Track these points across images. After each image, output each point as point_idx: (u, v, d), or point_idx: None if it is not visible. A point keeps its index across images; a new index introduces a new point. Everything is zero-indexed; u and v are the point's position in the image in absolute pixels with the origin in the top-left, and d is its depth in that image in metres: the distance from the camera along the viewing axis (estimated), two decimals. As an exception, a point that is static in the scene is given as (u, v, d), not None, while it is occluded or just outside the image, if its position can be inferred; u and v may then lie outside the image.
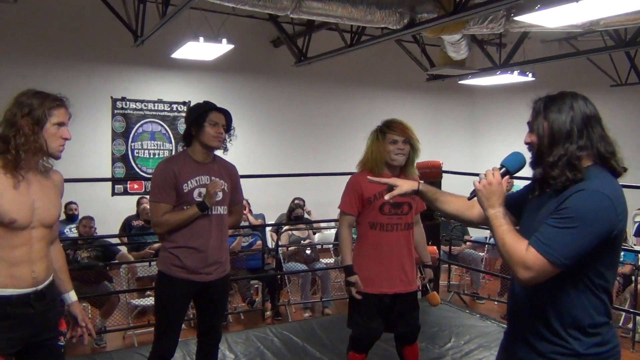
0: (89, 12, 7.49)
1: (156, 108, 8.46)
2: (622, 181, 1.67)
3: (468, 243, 7.00)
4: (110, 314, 5.07)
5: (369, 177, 2.17)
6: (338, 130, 9.79)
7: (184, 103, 8.55)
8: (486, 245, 6.90)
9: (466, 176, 4.88)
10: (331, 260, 6.75)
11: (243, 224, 6.30)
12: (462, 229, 7.04)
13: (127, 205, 7.49)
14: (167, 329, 2.94)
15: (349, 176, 3.20)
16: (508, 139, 8.10)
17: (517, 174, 1.82)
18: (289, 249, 6.23)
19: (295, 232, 6.48)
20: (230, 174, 3.06)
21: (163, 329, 2.95)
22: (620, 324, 5.33)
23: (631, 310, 5.09)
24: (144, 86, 8.35)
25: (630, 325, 5.14)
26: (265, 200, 8.02)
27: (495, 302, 6.29)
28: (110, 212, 7.09)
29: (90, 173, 7.16)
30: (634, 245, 6.42)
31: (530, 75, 7.57)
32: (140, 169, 8.34)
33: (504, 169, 1.74)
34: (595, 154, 1.62)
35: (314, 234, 7.01)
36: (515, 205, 1.79)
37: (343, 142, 9.56)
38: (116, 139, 8.22)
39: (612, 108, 9.08)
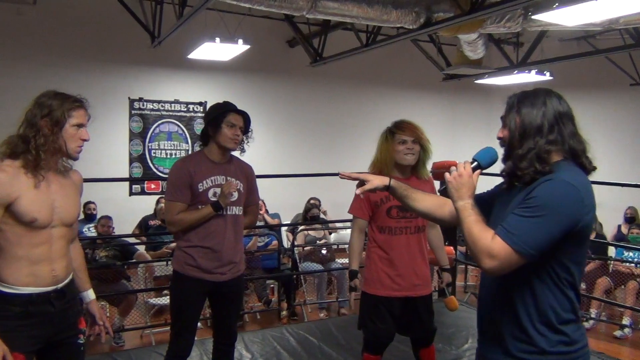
0: (107, 14, 7.57)
1: (173, 108, 8.52)
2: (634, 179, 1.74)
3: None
4: (128, 313, 5.11)
5: (340, 172, 2.11)
6: (353, 130, 9.77)
7: (200, 103, 8.60)
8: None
9: (483, 176, 4.85)
10: (347, 261, 6.71)
11: (259, 223, 6.32)
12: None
13: (144, 205, 7.55)
14: (182, 328, 2.95)
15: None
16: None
17: (493, 171, 1.84)
18: (305, 248, 6.24)
19: (311, 232, 6.49)
20: (246, 174, 3.06)
21: (178, 328, 2.96)
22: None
23: None
24: (160, 87, 8.41)
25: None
26: (281, 200, 8.03)
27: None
28: (128, 211, 7.15)
29: (108, 173, 7.23)
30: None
31: (547, 74, 7.49)
32: (157, 169, 8.41)
33: (475, 163, 1.74)
34: (567, 150, 1.63)
35: (330, 234, 7.00)
36: (485, 205, 1.77)
37: (358, 142, 9.54)
38: (133, 139, 8.29)
39: (631, 107, 8.99)
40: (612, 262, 5.91)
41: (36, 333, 2.05)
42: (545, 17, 4.88)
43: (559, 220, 1.51)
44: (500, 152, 1.75)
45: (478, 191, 1.86)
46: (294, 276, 5.96)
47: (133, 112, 8.26)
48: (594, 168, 1.67)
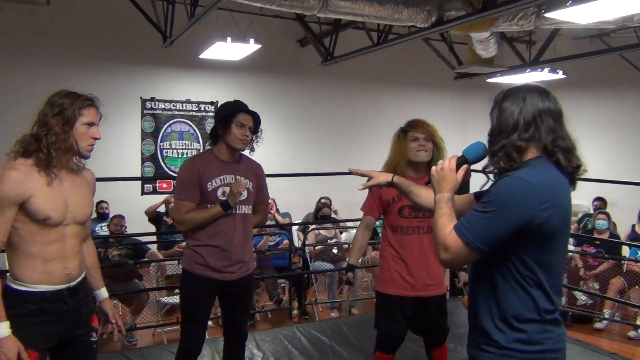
0: (119, 14, 7.61)
1: (184, 108, 8.56)
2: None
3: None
4: (140, 312, 5.14)
5: (349, 168, 2.18)
6: (365, 129, 9.76)
7: (211, 103, 8.62)
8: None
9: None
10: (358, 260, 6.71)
11: (270, 223, 6.34)
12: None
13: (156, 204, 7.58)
14: (192, 326, 2.96)
15: (375, 175, 3.18)
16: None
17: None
18: (316, 248, 6.24)
19: (322, 231, 6.49)
20: (255, 173, 3.05)
21: (188, 326, 2.97)
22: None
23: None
24: (172, 86, 8.45)
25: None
26: (292, 200, 8.04)
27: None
28: (140, 211, 7.18)
29: (120, 172, 7.27)
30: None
31: (560, 72, 7.43)
32: (169, 168, 8.45)
33: (462, 158, 1.74)
34: (542, 147, 1.61)
35: (341, 233, 7.00)
36: (468, 204, 1.80)
37: (370, 141, 9.53)
38: (145, 139, 8.34)
39: (646, 105, 8.89)
40: (626, 262, 5.85)
41: (49, 331, 2.07)
42: (558, 15, 4.83)
43: (509, 216, 1.51)
44: None
45: (474, 187, 1.91)
46: (305, 275, 5.96)
47: (145, 111, 8.30)
48: (575, 167, 1.63)
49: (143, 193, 8.27)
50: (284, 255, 6.01)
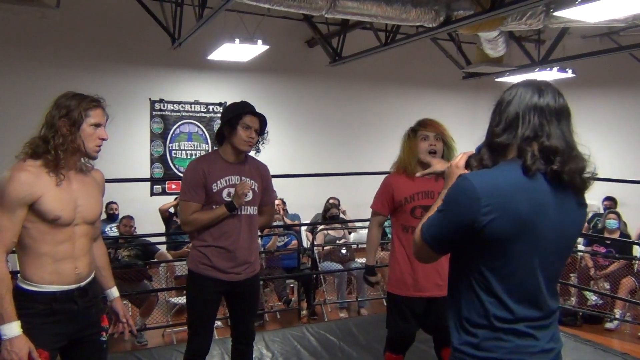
0: (128, 17, 7.65)
1: (193, 109, 8.59)
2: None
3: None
4: (150, 312, 5.17)
5: (417, 174, 2.12)
6: (373, 129, 9.75)
7: (219, 104, 8.65)
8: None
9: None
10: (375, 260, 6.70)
11: (278, 223, 6.35)
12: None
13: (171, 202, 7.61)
14: (199, 327, 2.96)
15: (384, 176, 3.18)
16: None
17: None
18: (325, 248, 6.24)
19: (330, 232, 6.49)
20: (261, 174, 3.05)
21: (195, 327, 2.97)
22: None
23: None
24: (181, 88, 8.48)
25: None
26: (300, 200, 8.05)
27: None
28: (149, 212, 7.22)
29: (129, 174, 7.31)
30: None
31: (570, 71, 7.39)
32: (177, 169, 8.48)
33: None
34: (516, 146, 1.50)
35: (349, 233, 7.00)
36: None
37: (378, 142, 9.52)
38: (154, 140, 8.38)
39: (657, 104, 8.82)
40: (637, 261, 5.81)
41: (60, 330, 2.09)
42: (567, 14, 4.82)
43: (450, 216, 1.51)
44: None
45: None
46: (314, 276, 5.96)
47: (154, 113, 8.34)
48: (530, 169, 1.45)
49: (152, 194, 8.31)
50: (293, 256, 6.01)
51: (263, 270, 5.76)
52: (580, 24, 5.64)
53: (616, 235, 5.96)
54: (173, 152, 8.49)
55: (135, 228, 6.03)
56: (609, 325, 5.49)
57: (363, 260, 6.61)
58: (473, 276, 1.53)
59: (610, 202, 7.68)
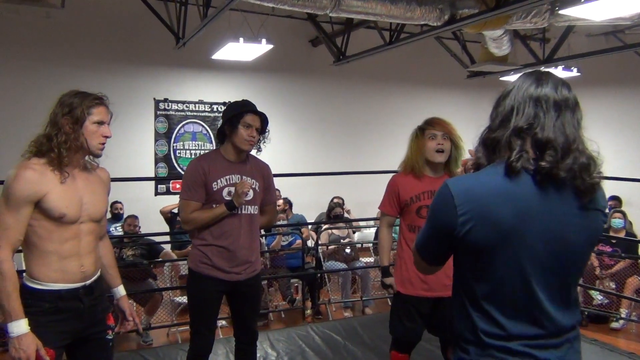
0: (133, 16, 7.67)
1: (197, 109, 8.60)
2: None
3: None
4: (155, 312, 5.17)
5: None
6: (377, 128, 9.75)
7: (224, 103, 8.65)
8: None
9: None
10: (371, 260, 6.72)
11: (282, 222, 6.35)
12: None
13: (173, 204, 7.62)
14: (201, 326, 2.95)
15: (389, 174, 3.17)
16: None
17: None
18: (329, 247, 6.24)
19: (334, 231, 6.48)
20: (262, 173, 3.03)
21: (197, 326, 2.96)
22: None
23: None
24: (185, 87, 8.49)
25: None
26: (304, 200, 8.04)
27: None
28: (153, 211, 7.23)
29: (133, 173, 7.32)
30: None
31: (575, 70, 7.37)
32: (182, 168, 8.48)
33: None
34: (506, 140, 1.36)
35: (354, 233, 6.99)
36: None
37: (382, 141, 9.52)
38: (159, 140, 8.39)
39: (662, 103, 8.78)
40: (643, 261, 5.78)
41: (65, 328, 2.09)
42: (573, 12, 4.81)
43: (432, 225, 1.45)
44: None
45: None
46: (318, 275, 5.96)
47: (158, 112, 8.35)
48: (514, 169, 1.31)
49: (157, 193, 8.32)
50: (297, 255, 6.01)
51: (267, 269, 5.77)
52: (585, 22, 5.62)
53: (622, 235, 5.93)
54: (177, 151, 8.50)
55: (139, 227, 6.03)
56: (614, 324, 5.46)
57: (367, 259, 6.64)
58: (463, 288, 1.44)
59: (616, 202, 7.65)
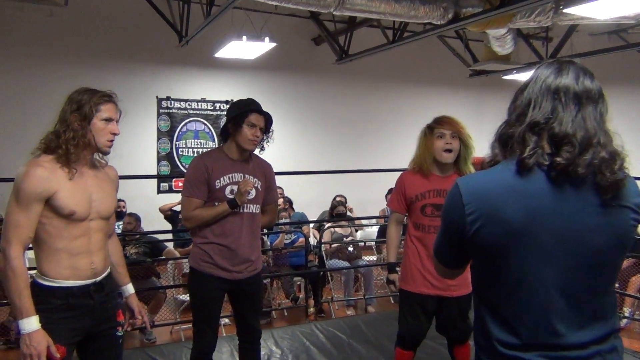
0: (136, 14, 7.67)
1: (200, 107, 8.60)
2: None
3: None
4: (158, 310, 5.17)
5: None
6: (379, 127, 9.75)
7: (226, 102, 8.66)
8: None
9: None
10: (373, 258, 6.72)
11: (285, 220, 6.35)
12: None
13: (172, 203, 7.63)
14: (203, 324, 2.95)
15: (391, 173, 3.16)
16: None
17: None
18: (332, 246, 6.24)
19: (337, 229, 6.49)
20: (265, 172, 3.03)
21: (200, 325, 2.96)
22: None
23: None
24: (188, 86, 8.49)
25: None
26: (307, 198, 8.05)
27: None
28: (156, 209, 7.23)
29: (136, 171, 7.30)
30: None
31: (578, 69, 7.36)
32: (184, 167, 8.48)
33: None
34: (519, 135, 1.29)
35: (356, 231, 6.99)
36: None
37: (384, 139, 9.52)
38: (161, 138, 8.39)
39: (664, 102, 8.79)
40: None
41: (76, 325, 2.10)
42: (577, 11, 4.81)
43: (444, 225, 1.39)
44: None
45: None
46: (321, 273, 5.96)
47: (161, 110, 8.35)
48: (526, 165, 1.23)
49: (159, 192, 8.33)
50: (300, 253, 6.01)
51: (270, 267, 5.77)
52: (589, 21, 5.62)
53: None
54: (180, 149, 8.51)
55: (140, 225, 6.00)
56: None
57: (370, 257, 6.64)
58: (479, 293, 1.36)
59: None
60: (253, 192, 2.89)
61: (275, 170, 3.16)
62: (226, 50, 6.73)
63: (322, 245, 6.11)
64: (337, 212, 6.66)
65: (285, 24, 8.25)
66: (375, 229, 7.13)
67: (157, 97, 8.29)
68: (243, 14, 6.72)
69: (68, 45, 7.58)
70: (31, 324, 1.95)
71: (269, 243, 5.94)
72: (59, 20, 7.35)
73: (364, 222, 7.46)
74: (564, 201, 1.23)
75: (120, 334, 2.28)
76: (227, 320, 5.13)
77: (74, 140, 2.04)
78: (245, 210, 2.89)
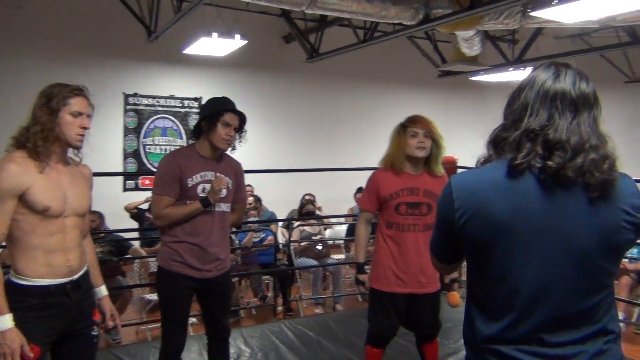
0: (104, 8, 7.52)
1: (168, 104, 8.48)
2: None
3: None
4: (124, 309, 5.08)
5: None
6: (349, 126, 9.79)
7: (195, 99, 8.56)
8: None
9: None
10: (342, 256, 6.74)
11: (254, 219, 6.32)
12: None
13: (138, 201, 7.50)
14: (173, 324, 2.92)
15: (359, 172, 3.17)
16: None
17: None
18: (301, 244, 6.23)
19: (306, 228, 6.48)
20: (235, 171, 3.02)
21: (169, 324, 2.93)
22: (634, 320, 5.28)
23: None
24: (156, 82, 8.37)
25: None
26: (275, 196, 8.02)
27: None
28: (121, 207, 7.11)
29: (102, 169, 7.04)
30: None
31: (543, 71, 7.51)
32: (151, 164, 8.36)
33: None
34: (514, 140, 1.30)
35: (325, 229, 7.00)
36: None
37: (354, 138, 9.56)
38: (128, 135, 8.25)
39: (626, 105, 9.06)
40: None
41: (53, 324, 2.07)
42: (544, 14, 4.89)
43: (437, 220, 1.43)
44: None
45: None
46: (289, 272, 5.95)
47: (128, 107, 8.21)
48: (518, 169, 1.25)
49: (125, 189, 8.19)
50: (269, 252, 5.99)
51: (239, 266, 5.73)
52: (555, 25, 5.74)
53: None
54: (147, 147, 8.37)
55: (104, 222, 5.87)
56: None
57: (338, 256, 6.66)
58: (469, 288, 1.39)
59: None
60: (224, 191, 2.87)
61: (244, 168, 3.15)
62: (196, 47, 6.65)
63: (291, 244, 6.10)
64: (306, 211, 6.66)
65: (256, 21, 8.21)
66: (344, 227, 7.15)
67: (124, 93, 8.15)
68: (214, 10, 6.66)
69: (34, 39, 7.39)
70: (5, 322, 1.92)
71: (237, 241, 5.89)
72: (26, 14, 7.17)
73: (332, 220, 7.47)
74: (551, 201, 1.25)
75: (95, 333, 2.25)
76: (194, 319, 5.08)
77: (42, 133, 2.01)
78: (216, 209, 2.87)
